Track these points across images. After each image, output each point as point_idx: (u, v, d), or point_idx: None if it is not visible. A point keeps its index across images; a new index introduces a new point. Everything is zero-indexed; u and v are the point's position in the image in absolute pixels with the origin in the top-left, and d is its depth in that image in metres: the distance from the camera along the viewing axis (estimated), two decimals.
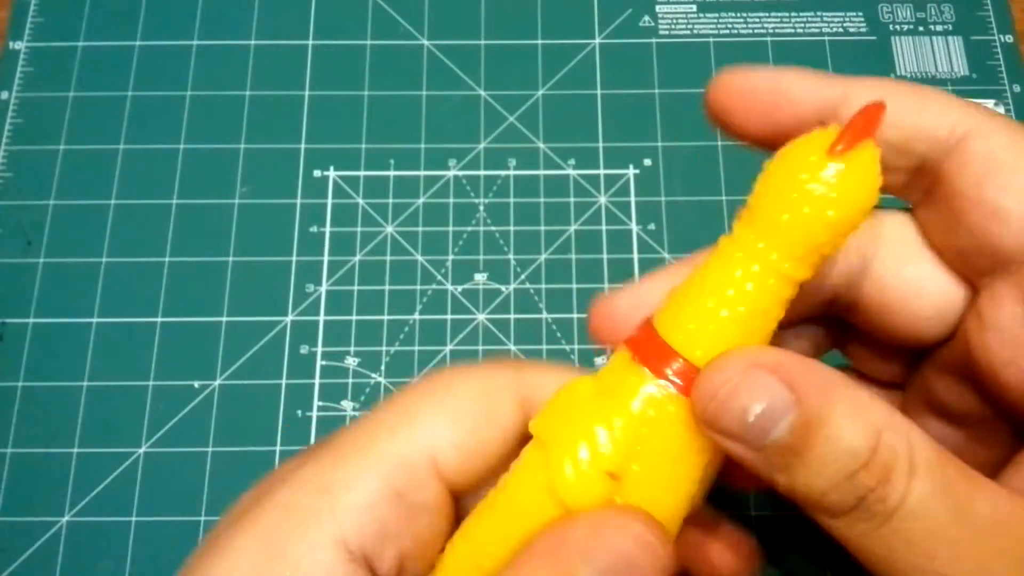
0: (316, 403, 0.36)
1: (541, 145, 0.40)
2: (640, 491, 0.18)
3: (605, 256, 0.38)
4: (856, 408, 0.17)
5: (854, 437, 0.16)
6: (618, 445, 0.17)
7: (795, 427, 0.17)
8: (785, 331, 0.23)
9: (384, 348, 0.37)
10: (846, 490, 0.17)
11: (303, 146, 0.40)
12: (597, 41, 0.42)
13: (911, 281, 0.20)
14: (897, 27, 0.43)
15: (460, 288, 0.38)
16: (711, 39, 0.42)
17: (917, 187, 0.21)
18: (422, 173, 0.40)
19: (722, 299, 0.18)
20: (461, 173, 0.40)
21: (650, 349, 0.18)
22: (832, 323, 0.24)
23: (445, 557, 0.19)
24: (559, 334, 0.37)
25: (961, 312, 0.20)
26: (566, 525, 0.17)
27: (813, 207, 0.18)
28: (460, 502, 0.20)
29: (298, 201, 0.39)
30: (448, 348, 0.37)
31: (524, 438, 0.20)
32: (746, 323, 0.18)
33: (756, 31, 0.42)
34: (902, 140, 0.20)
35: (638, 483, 0.18)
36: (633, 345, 0.18)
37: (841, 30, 0.42)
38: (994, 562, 0.16)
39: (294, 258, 0.38)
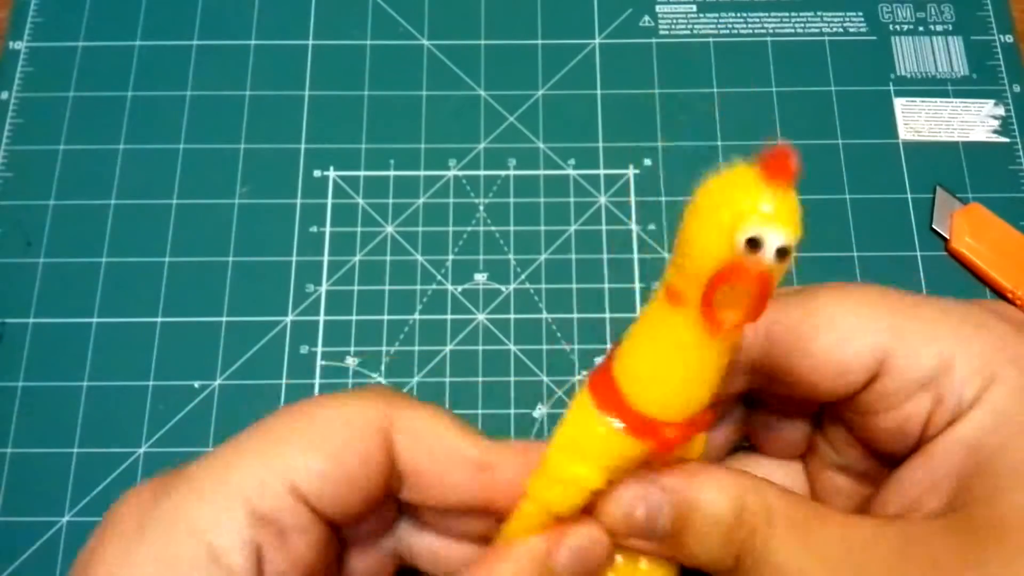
0: None
1: (541, 145, 0.40)
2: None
3: (605, 256, 0.38)
4: (719, 484, 0.21)
5: (722, 507, 0.21)
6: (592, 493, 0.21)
7: (673, 514, 0.21)
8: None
9: (384, 348, 0.37)
10: (727, 550, 0.21)
11: (303, 146, 0.40)
12: (597, 41, 0.42)
13: (830, 344, 0.23)
14: (897, 27, 0.43)
15: (460, 288, 0.38)
16: (711, 39, 0.42)
17: (760, 379, 0.24)
18: (422, 173, 0.40)
19: (673, 367, 0.19)
20: (461, 173, 0.40)
21: (610, 403, 0.20)
22: (743, 408, 0.27)
23: None
24: (559, 334, 0.37)
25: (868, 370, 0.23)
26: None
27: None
28: (343, 531, 0.22)
29: (298, 201, 0.39)
30: (448, 348, 0.37)
31: (390, 470, 0.21)
32: (698, 383, 0.20)
33: (756, 31, 0.42)
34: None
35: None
36: (599, 399, 0.20)
37: (841, 30, 0.42)
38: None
39: (294, 258, 0.38)
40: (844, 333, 0.22)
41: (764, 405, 0.27)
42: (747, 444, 0.28)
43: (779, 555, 0.20)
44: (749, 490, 0.21)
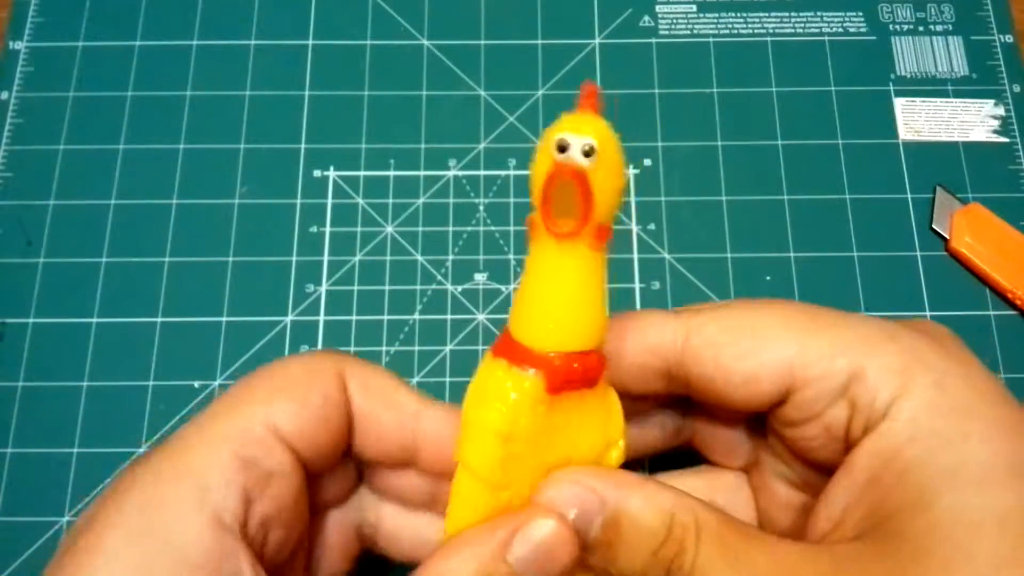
0: None
1: None
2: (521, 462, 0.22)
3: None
4: (649, 498, 0.21)
5: (651, 520, 0.21)
6: (502, 435, 0.21)
7: (605, 523, 0.21)
8: (638, 420, 0.27)
9: (384, 348, 0.37)
10: (656, 565, 0.21)
11: (303, 146, 0.40)
12: (597, 41, 0.42)
13: (733, 359, 0.24)
14: (897, 27, 0.43)
15: (460, 288, 0.38)
16: (711, 39, 0.42)
17: (676, 384, 0.25)
18: (422, 173, 0.40)
19: (545, 294, 0.22)
20: (461, 173, 0.40)
21: (503, 348, 0.22)
22: (677, 414, 0.28)
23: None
24: None
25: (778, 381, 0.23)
26: (495, 521, 0.21)
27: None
28: (316, 479, 0.24)
29: (298, 201, 0.39)
30: (448, 348, 0.37)
31: (348, 411, 0.24)
32: (571, 305, 0.22)
33: (756, 31, 0.42)
34: (643, 357, 0.25)
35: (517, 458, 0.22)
36: (494, 349, 0.22)
37: (841, 30, 0.42)
38: None
39: (294, 258, 0.38)
40: (754, 345, 0.23)
41: (701, 411, 0.27)
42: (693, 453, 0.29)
43: (712, 573, 0.20)
44: (678, 505, 0.21)
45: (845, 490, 0.22)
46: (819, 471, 0.24)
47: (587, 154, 0.20)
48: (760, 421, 0.26)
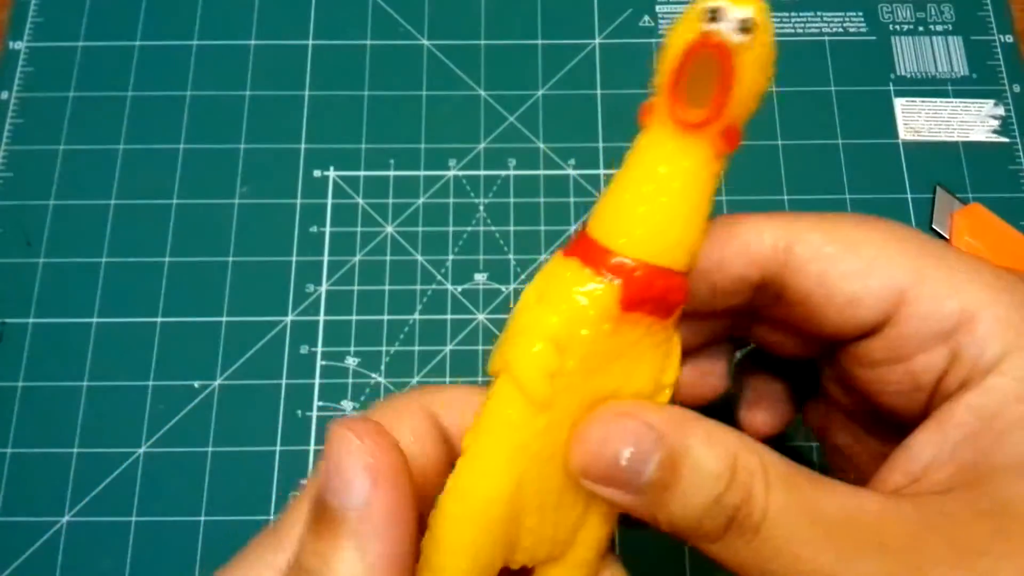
0: (316, 403, 0.36)
1: (541, 145, 0.40)
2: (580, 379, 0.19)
3: None
4: (711, 437, 0.19)
5: (714, 462, 0.18)
6: (558, 344, 0.18)
7: (663, 463, 0.18)
8: (692, 359, 0.25)
9: (384, 348, 0.37)
10: (717, 513, 0.18)
11: (303, 146, 0.40)
12: (597, 41, 0.42)
13: (843, 275, 0.21)
14: (897, 27, 0.43)
15: (460, 288, 0.38)
16: None
17: (764, 298, 0.22)
18: (422, 173, 0.40)
19: (644, 190, 0.18)
20: (461, 173, 0.40)
21: (577, 247, 0.19)
22: (729, 350, 0.25)
23: (446, 500, 0.19)
24: None
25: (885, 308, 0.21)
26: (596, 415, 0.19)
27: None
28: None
29: (298, 201, 0.39)
30: (448, 348, 0.37)
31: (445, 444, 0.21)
32: (672, 211, 0.18)
33: None
34: (740, 267, 0.22)
35: (576, 373, 0.19)
36: (567, 249, 0.19)
37: (841, 30, 0.42)
38: (846, 552, 0.18)
39: (294, 258, 0.38)
40: (864, 264, 0.21)
41: (751, 366, 0.25)
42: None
43: (784, 524, 0.18)
44: (742, 447, 0.19)
45: (934, 445, 0.20)
46: (885, 426, 0.22)
47: (744, 30, 0.17)
48: (824, 355, 0.24)
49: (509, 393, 0.18)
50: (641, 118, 0.19)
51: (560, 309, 0.18)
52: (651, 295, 0.18)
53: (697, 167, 0.18)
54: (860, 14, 0.43)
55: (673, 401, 0.21)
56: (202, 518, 0.34)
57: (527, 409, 0.18)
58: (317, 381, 0.36)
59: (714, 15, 0.17)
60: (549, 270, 0.19)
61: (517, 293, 0.37)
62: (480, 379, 0.36)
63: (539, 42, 0.42)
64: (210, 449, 0.35)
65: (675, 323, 0.20)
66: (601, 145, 0.40)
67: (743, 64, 0.17)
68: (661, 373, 0.20)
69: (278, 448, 0.35)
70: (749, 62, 0.17)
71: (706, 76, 0.17)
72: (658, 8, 0.43)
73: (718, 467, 0.18)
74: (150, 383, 0.36)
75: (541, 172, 0.39)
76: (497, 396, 0.19)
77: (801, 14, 0.43)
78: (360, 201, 0.39)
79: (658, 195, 0.18)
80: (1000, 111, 0.41)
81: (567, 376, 0.18)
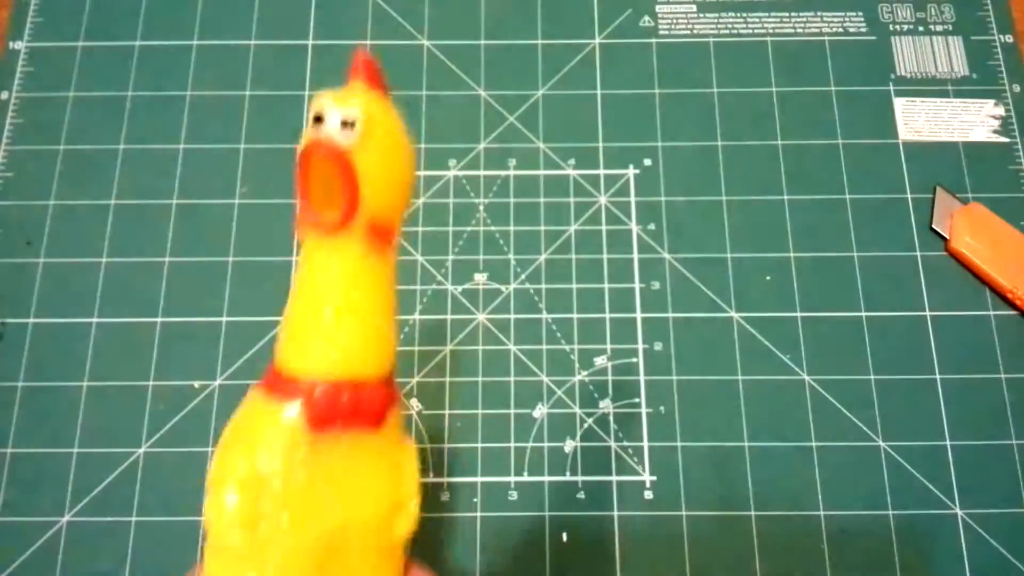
0: None
1: (541, 145, 0.40)
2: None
3: (605, 256, 0.38)
4: None
5: None
6: (253, 487, 0.17)
7: None
8: None
9: None
10: None
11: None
12: (597, 41, 0.42)
13: None
14: (897, 27, 0.43)
15: (460, 288, 0.38)
16: (711, 39, 0.42)
17: None
18: (422, 173, 0.40)
19: (308, 304, 0.18)
20: (461, 173, 0.40)
21: (265, 379, 0.18)
22: None
23: None
24: (559, 334, 0.37)
25: None
26: None
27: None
28: None
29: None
30: (448, 348, 0.37)
31: None
32: (340, 318, 0.18)
33: (756, 31, 0.42)
34: None
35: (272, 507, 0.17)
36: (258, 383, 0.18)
37: (841, 30, 0.42)
38: None
39: (294, 258, 0.38)
40: None
41: None
42: None
43: None
44: None
45: None
46: None
47: (347, 127, 0.17)
48: None
49: (214, 561, 0.17)
50: (296, 232, 0.18)
51: (249, 448, 0.17)
52: (340, 410, 0.17)
53: (355, 269, 0.17)
54: (860, 14, 0.43)
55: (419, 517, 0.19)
56: (202, 518, 0.34)
57: (233, 567, 0.17)
58: None
59: (318, 118, 0.17)
60: (242, 407, 0.18)
61: (517, 293, 0.37)
62: (480, 379, 0.36)
63: (539, 42, 0.42)
64: (210, 449, 0.35)
65: (395, 426, 0.19)
66: (601, 145, 0.40)
67: (363, 162, 0.17)
68: (396, 486, 0.18)
69: None
70: (370, 159, 0.17)
71: (330, 176, 0.17)
72: (658, 8, 0.43)
73: None
74: (150, 383, 0.36)
75: (541, 172, 0.39)
76: (206, 559, 0.17)
77: (801, 14, 0.43)
78: None
79: (322, 306, 0.18)
80: (1000, 111, 0.41)
81: (271, 519, 0.17)
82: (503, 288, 0.38)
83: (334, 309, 0.17)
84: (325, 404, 0.17)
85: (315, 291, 0.18)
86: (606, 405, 0.36)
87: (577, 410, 0.36)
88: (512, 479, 0.35)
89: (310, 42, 0.42)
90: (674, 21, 0.43)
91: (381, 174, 0.17)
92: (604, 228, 0.38)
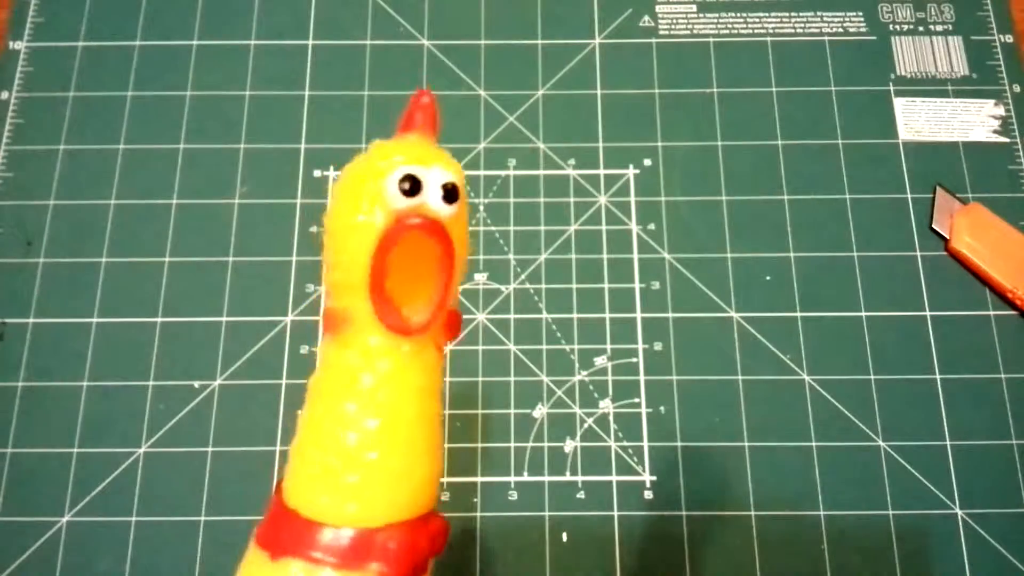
0: None
1: (541, 145, 0.40)
2: None
3: (605, 256, 0.38)
4: None
5: None
6: None
7: None
8: None
9: None
10: None
11: (303, 146, 0.40)
12: (597, 41, 0.42)
13: None
14: (897, 27, 0.43)
15: (460, 288, 0.38)
16: (711, 39, 0.42)
17: None
18: None
19: (372, 433, 0.13)
20: None
21: (280, 534, 0.14)
22: None
23: None
24: (559, 334, 0.37)
25: None
26: None
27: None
28: None
29: (298, 201, 0.39)
30: (448, 348, 0.36)
31: None
32: (401, 439, 0.14)
33: (756, 31, 0.42)
34: None
35: None
36: (260, 536, 0.15)
37: (841, 30, 0.42)
38: None
39: (294, 258, 0.38)
40: None
41: None
42: None
43: None
44: None
45: None
46: None
47: (449, 198, 0.13)
48: None
49: None
50: (327, 329, 0.14)
51: None
52: (422, 567, 0.14)
53: (424, 375, 0.14)
54: (860, 14, 0.43)
55: None
56: (202, 518, 0.34)
57: None
58: None
59: (413, 186, 0.12)
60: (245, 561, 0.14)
61: (517, 293, 0.37)
62: (480, 379, 0.36)
63: (539, 42, 0.42)
64: (210, 449, 0.35)
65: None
66: (601, 145, 0.40)
67: (455, 239, 0.13)
68: None
69: (278, 448, 0.35)
70: (460, 235, 0.13)
71: (417, 261, 0.13)
72: (658, 8, 0.43)
73: None
74: (150, 383, 0.36)
75: (541, 172, 0.39)
76: None
77: (801, 14, 0.43)
78: None
79: (397, 432, 0.13)
80: (1000, 111, 0.41)
81: None
82: (503, 288, 0.38)
83: (409, 434, 0.13)
84: (409, 559, 0.13)
85: (379, 411, 0.13)
86: (606, 405, 0.36)
87: (577, 410, 0.36)
88: (512, 479, 0.35)
89: (310, 42, 0.42)
90: (674, 21, 0.43)
91: (464, 258, 0.14)
92: (604, 228, 0.38)
